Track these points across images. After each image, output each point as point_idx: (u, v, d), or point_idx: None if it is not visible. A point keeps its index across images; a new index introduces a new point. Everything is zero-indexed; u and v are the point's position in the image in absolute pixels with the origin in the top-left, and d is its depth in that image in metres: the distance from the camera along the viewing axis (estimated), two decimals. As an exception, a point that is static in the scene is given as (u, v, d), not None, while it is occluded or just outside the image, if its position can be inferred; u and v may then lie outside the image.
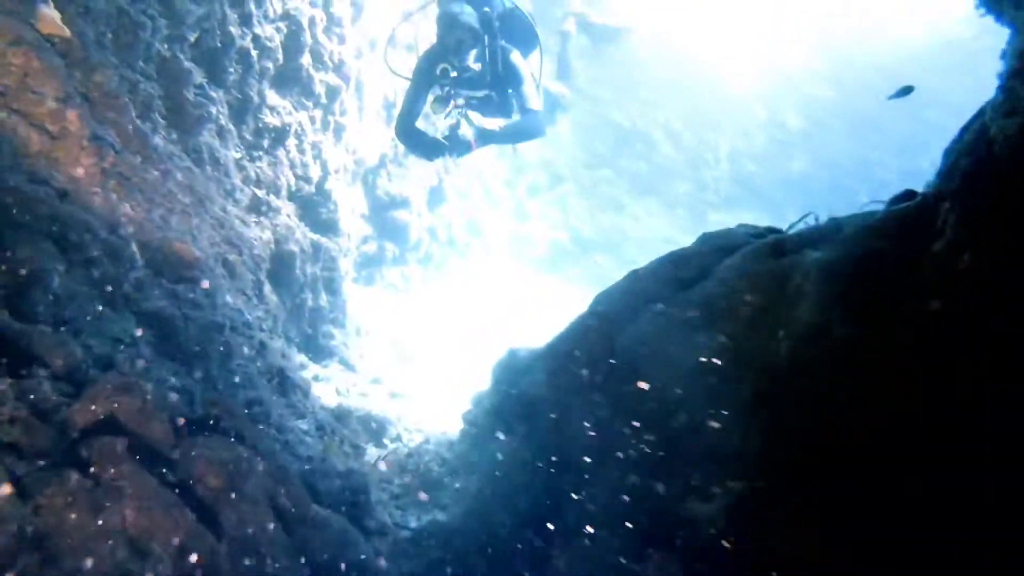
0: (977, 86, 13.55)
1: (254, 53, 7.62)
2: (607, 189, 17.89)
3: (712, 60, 17.53)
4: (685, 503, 3.46)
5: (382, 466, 5.91)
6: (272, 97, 8.35)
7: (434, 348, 14.49)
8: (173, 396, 3.94)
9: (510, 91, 6.87)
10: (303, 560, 3.82)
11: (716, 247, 4.23)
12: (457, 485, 6.18)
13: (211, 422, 4.00)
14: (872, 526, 2.87)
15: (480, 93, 6.75)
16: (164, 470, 3.74)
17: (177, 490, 3.63)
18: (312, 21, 8.86)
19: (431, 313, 14.96)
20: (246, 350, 4.95)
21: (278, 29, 8.15)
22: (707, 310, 3.82)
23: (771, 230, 4.45)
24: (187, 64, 6.48)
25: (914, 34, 17.60)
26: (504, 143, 7.04)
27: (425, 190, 13.92)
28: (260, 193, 8.19)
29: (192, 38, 6.79)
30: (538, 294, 16.94)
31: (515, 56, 6.79)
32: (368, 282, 13.43)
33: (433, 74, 6.48)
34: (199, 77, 6.72)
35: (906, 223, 3.13)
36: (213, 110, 6.70)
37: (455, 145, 6.48)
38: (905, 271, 2.97)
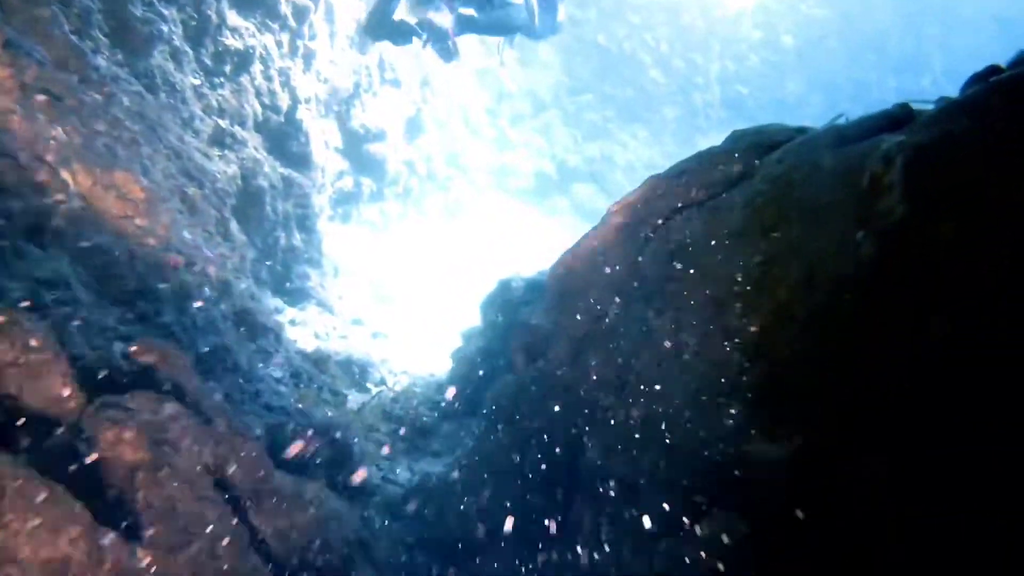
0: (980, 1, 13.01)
1: (208, -34, 6.97)
2: (592, 116, 17.29)
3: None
4: (748, 444, 3.00)
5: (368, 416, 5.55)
6: (233, 17, 7.71)
7: (417, 287, 14.08)
8: (89, 348, 3.30)
9: None
10: (260, 548, 3.27)
11: (752, 144, 3.74)
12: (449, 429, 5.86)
13: (142, 374, 3.50)
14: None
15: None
16: (59, 446, 2.96)
17: (76, 473, 2.81)
18: (275, -69, 8.18)
19: (412, 251, 14.50)
20: (207, 291, 4.51)
21: (234, -61, 7.48)
22: (754, 214, 3.32)
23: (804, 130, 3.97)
24: (134, -24, 5.86)
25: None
26: (488, 34, 6.74)
27: (402, 121, 13.31)
28: (223, 124, 7.63)
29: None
30: (524, 227, 16.50)
31: None
32: (345, 220, 12.91)
33: None
34: (146, -9, 6.10)
35: (1016, 93, 2.51)
36: (164, 29, 6.10)
37: (432, 35, 6.11)
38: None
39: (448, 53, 7.13)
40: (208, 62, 7.37)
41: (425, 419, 5.92)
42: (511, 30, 7.09)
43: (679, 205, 3.85)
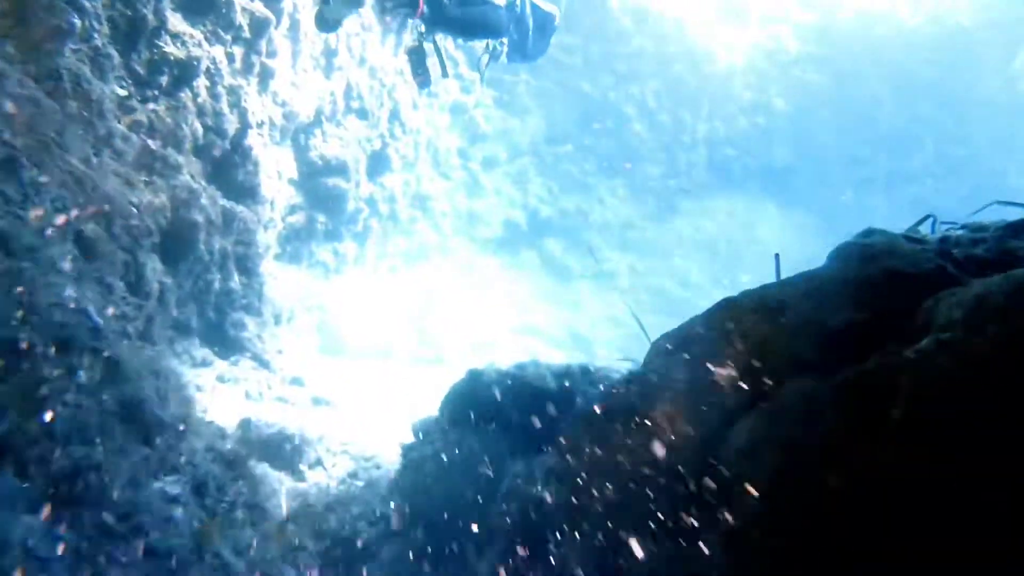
0: (974, 81, 12.52)
1: (148, -43, 5.85)
2: (570, 167, 16.41)
3: (697, 33, 16.12)
4: None
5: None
6: (176, 21, 6.58)
7: (369, 340, 12.91)
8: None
9: None
10: None
11: (888, 271, 2.66)
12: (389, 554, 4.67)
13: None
14: None
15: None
16: None
17: None
18: (234, -72, 7.09)
19: (367, 299, 13.32)
20: (83, 375, 3.34)
21: (186, -68, 6.37)
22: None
23: (913, 238, 2.94)
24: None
25: (916, 22, 16.49)
26: (457, 28, 6.01)
27: (366, 154, 12.21)
28: (153, 145, 6.44)
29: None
30: (489, 280, 15.44)
31: None
32: (294, 259, 11.70)
33: None
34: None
35: None
36: (78, 23, 4.94)
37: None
38: None
39: (420, 61, 6.22)
40: (140, 70, 6.21)
41: (364, 536, 4.72)
42: (490, 31, 6.25)
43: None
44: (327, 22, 6.30)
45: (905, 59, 16.21)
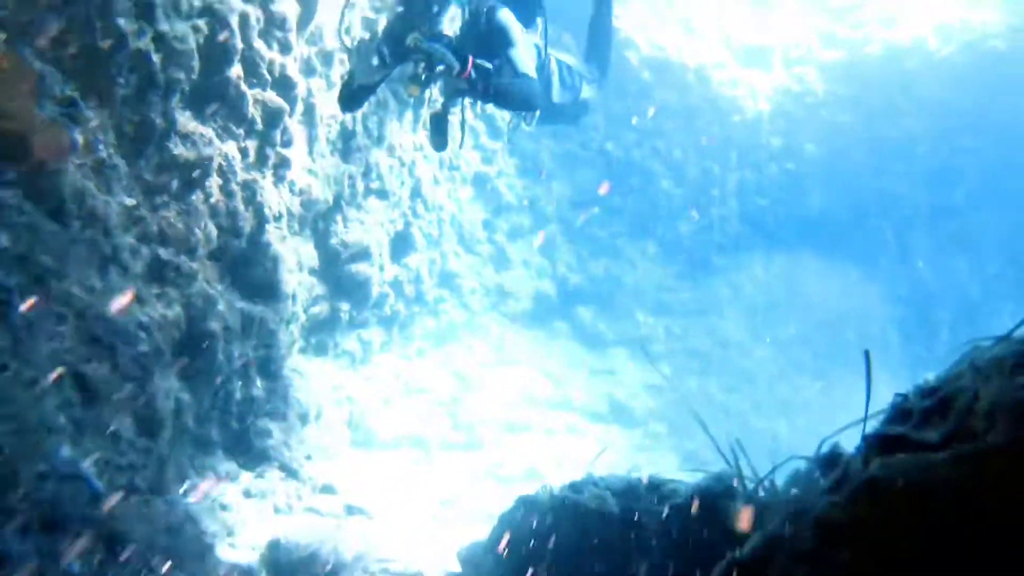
0: (1014, 107, 11.95)
1: (157, 59, 5.47)
2: (598, 231, 15.93)
3: (721, 81, 15.74)
4: None
5: None
6: (185, 121, 6.19)
7: (401, 430, 12.32)
8: None
9: (496, 60, 5.62)
10: None
11: None
12: None
13: None
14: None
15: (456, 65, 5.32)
16: None
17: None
18: (245, 20, 6.75)
19: (396, 386, 12.77)
20: (76, 568, 2.76)
21: (195, 28, 6.02)
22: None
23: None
24: (36, 65, 4.32)
25: (947, 52, 16.03)
26: (495, 97, 5.76)
27: (388, 236, 11.79)
28: (164, 254, 5.99)
29: (51, 32, 4.65)
30: (523, 354, 14.85)
31: (504, 14, 5.64)
32: (319, 351, 11.20)
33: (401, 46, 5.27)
34: (59, 86, 4.55)
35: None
36: (80, 139, 4.52)
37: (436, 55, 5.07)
38: None
39: (442, 127, 5.99)
40: (148, 177, 5.78)
41: None
42: (527, 104, 6.01)
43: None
44: (353, 97, 5.98)
45: (939, 91, 15.69)
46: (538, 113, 6.78)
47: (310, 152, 9.03)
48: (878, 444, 2.39)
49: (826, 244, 15.69)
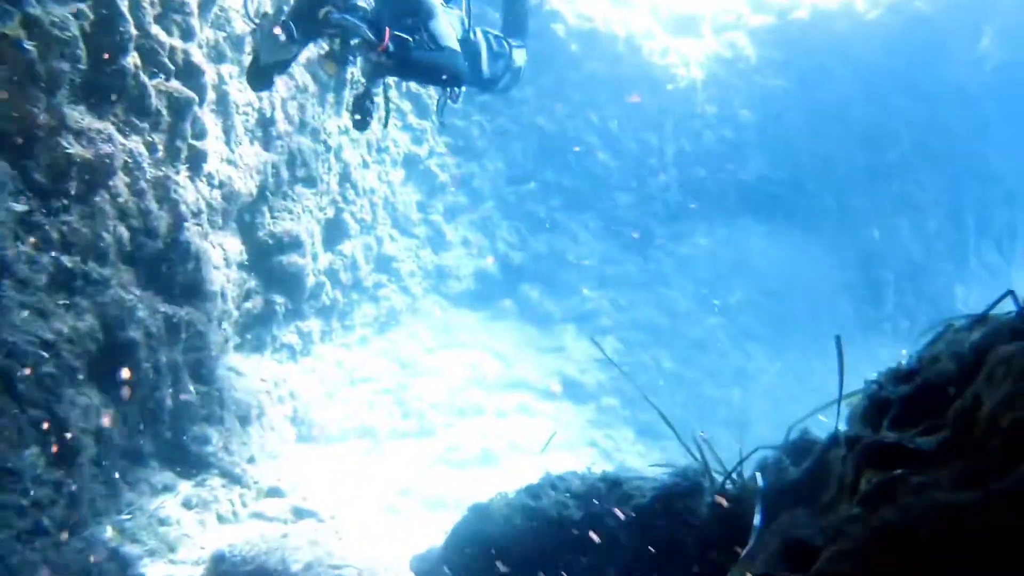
0: (942, 68, 12.13)
1: (32, 47, 5.01)
2: (536, 206, 15.70)
3: (652, 50, 15.57)
4: None
5: None
6: (77, 116, 5.73)
7: (348, 422, 12.02)
8: None
9: (415, 34, 5.30)
10: None
11: None
12: None
13: None
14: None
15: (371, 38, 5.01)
16: None
17: None
18: (136, 4, 6.28)
19: (340, 378, 12.43)
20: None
21: (78, 14, 5.54)
22: None
23: None
24: None
25: (875, 15, 16.09)
26: (416, 72, 5.52)
27: (320, 224, 11.39)
28: (69, 262, 5.56)
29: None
30: (468, 334, 14.61)
31: None
32: (257, 347, 10.79)
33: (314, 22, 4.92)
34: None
35: None
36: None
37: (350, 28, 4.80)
38: None
39: (364, 108, 5.53)
40: (41, 179, 5.33)
41: None
42: (452, 79, 5.68)
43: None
44: (261, 76, 5.58)
45: (869, 53, 15.76)
46: (464, 89, 6.44)
47: (228, 142, 8.58)
48: (867, 454, 2.16)
49: (768, 210, 15.73)
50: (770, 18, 16.37)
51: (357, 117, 5.60)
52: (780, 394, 15.54)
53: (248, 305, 10.31)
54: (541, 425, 14.01)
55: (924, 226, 16.71)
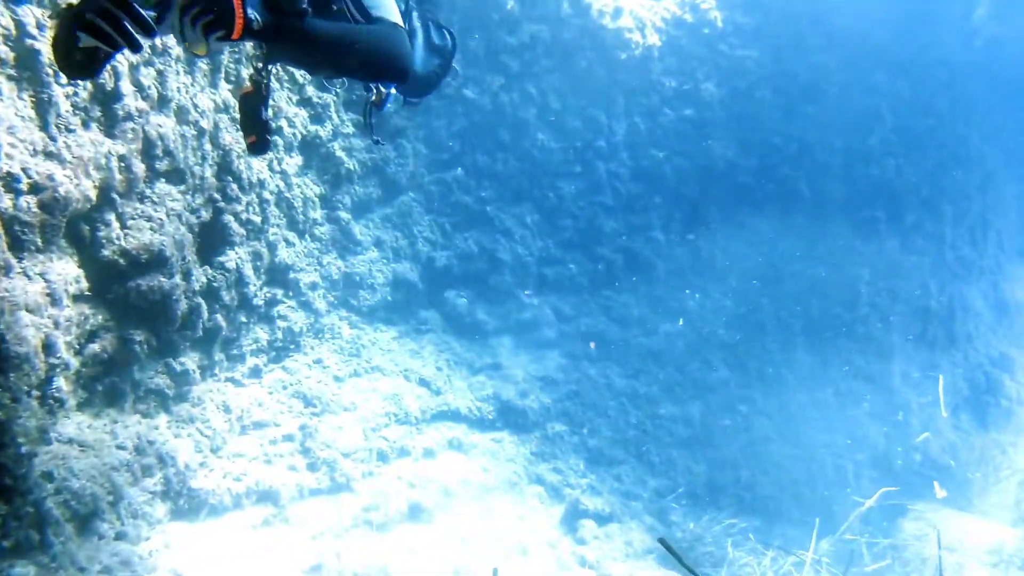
0: (930, 42, 10.56)
1: None
2: (463, 197, 13.40)
3: (602, 10, 13.38)
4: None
5: None
6: None
7: (239, 484, 9.64)
8: None
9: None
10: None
11: None
12: None
13: None
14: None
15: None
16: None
17: None
18: None
19: (226, 425, 9.89)
20: None
21: None
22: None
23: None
24: None
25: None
26: (332, 49, 3.12)
27: (192, 231, 8.78)
28: None
29: None
30: (388, 359, 12.24)
31: None
32: (111, 401, 8.21)
33: None
34: None
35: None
36: None
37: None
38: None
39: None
40: None
41: None
42: (391, 67, 3.38)
43: None
44: (77, 61, 3.02)
45: (851, 23, 14.12)
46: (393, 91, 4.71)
47: (44, 126, 5.93)
48: None
49: (733, 200, 13.90)
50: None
51: (251, 140, 3.62)
52: (746, 408, 13.95)
53: (95, 348, 7.68)
54: (477, 464, 11.94)
55: (902, 218, 15.34)
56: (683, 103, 13.96)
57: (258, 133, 3.54)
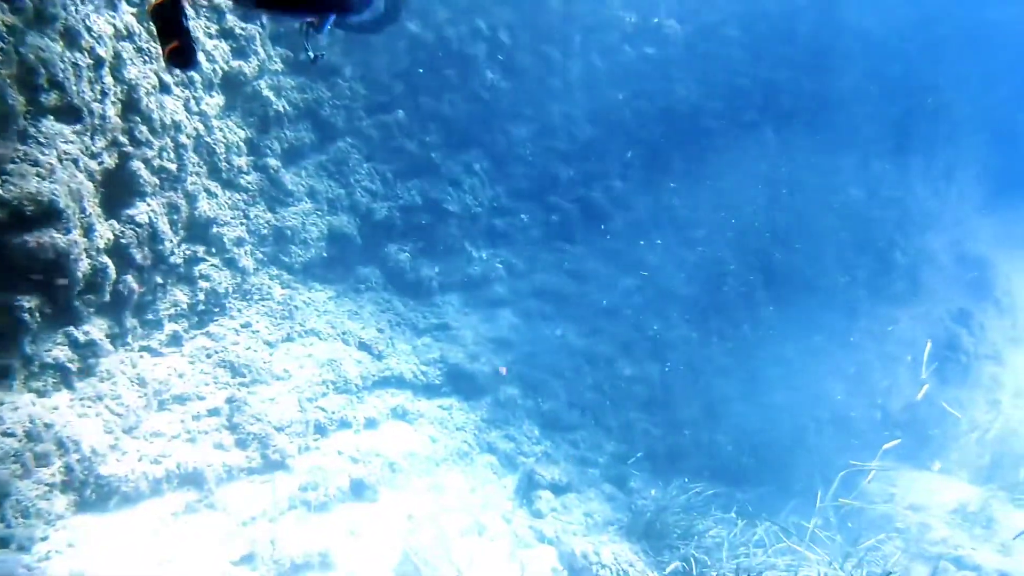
0: None
1: None
2: (406, 143, 12.28)
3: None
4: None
5: None
6: None
7: (157, 468, 8.59)
8: None
9: None
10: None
11: None
12: None
13: None
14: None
15: None
16: None
17: None
18: None
19: (141, 400, 8.76)
20: None
21: None
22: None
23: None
24: None
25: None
26: None
27: (93, 180, 7.55)
28: None
29: None
30: (324, 321, 11.19)
31: None
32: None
33: None
34: None
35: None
36: None
37: None
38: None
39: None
40: None
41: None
42: None
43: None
44: None
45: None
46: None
47: None
48: None
49: (697, 145, 13.06)
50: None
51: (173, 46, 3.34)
52: (705, 366, 13.33)
53: (-27, 316, 6.48)
54: (424, 433, 11.07)
55: (868, 167, 14.76)
56: (644, 40, 13.01)
57: (181, 38, 3.24)
